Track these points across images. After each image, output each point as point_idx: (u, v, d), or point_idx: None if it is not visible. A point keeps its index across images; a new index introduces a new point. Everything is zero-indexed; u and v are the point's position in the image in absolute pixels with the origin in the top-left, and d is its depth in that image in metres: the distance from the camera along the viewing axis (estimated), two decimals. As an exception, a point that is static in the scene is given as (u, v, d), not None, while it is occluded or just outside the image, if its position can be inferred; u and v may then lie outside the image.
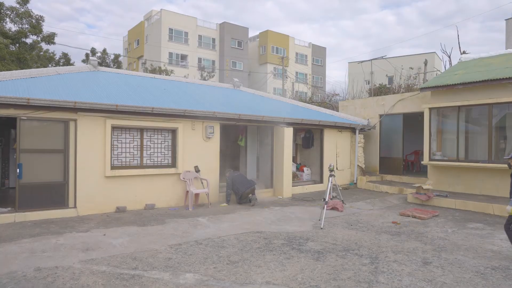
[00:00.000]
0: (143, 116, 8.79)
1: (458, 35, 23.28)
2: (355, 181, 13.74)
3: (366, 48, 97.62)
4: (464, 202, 9.46)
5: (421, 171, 14.53)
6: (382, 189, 12.41)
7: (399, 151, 13.91)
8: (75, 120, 8.03)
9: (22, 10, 19.45)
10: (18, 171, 7.38)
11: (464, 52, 18.04)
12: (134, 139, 9.02)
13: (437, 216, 8.61)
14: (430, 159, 11.50)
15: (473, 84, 10.34)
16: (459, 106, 10.85)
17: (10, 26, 19.59)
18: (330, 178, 8.05)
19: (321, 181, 12.89)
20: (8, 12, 19.21)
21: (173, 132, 9.54)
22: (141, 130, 9.10)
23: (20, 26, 19.62)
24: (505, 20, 18.78)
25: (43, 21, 20.09)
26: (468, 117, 11.04)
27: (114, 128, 8.62)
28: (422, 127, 11.84)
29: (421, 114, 12.16)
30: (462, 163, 10.68)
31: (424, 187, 10.28)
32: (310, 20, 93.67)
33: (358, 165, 13.90)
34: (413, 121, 13.89)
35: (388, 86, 23.48)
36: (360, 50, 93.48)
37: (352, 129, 13.88)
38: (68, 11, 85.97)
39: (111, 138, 8.55)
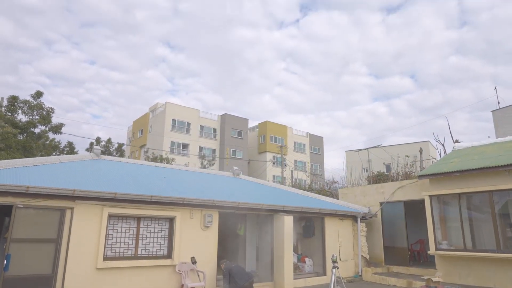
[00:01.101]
0: (142, 204, 8.70)
1: (448, 125, 24.48)
2: (360, 273, 12.99)
3: (362, 137, 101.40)
4: (478, 297, 8.82)
5: (429, 261, 13.84)
6: (389, 282, 11.67)
7: (403, 240, 13.44)
8: (72, 208, 7.92)
9: (35, 103, 20.64)
10: (5, 262, 7.02)
11: (457, 141, 18.63)
12: (130, 228, 8.78)
13: (452, 313, 7.95)
14: (437, 249, 11.06)
15: (470, 171, 10.47)
16: (459, 194, 10.82)
17: (21, 117, 20.59)
18: (334, 269, 7.65)
19: (324, 273, 12.19)
20: (21, 104, 20.37)
21: (171, 220, 9.34)
22: (138, 218, 8.92)
23: (31, 117, 20.62)
24: (491, 111, 19.81)
25: (53, 112, 21.17)
26: (469, 204, 10.93)
27: (111, 216, 8.46)
28: (424, 214, 11.64)
29: (422, 202, 12.06)
30: (470, 253, 10.24)
31: (434, 279, 9.68)
32: (306, 111, 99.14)
33: (362, 256, 13.29)
34: (414, 209, 13.70)
35: (386, 173, 23.74)
36: (355, 138, 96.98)
37: (353, 217, 13.61)
38: (76, 103, 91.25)
39: (107, 227, 8.33)
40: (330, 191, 22.44)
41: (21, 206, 7.38)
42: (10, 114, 19.95)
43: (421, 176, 11.93)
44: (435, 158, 25.64)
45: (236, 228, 12.43)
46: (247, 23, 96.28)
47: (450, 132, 21.86)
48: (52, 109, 21.11)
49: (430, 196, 11.51)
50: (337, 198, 16.46)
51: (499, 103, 20.74)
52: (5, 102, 20.16)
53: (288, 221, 10.96)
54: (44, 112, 20.82)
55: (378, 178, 21.80)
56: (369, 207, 14.24)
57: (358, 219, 13.53)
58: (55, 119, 21.54)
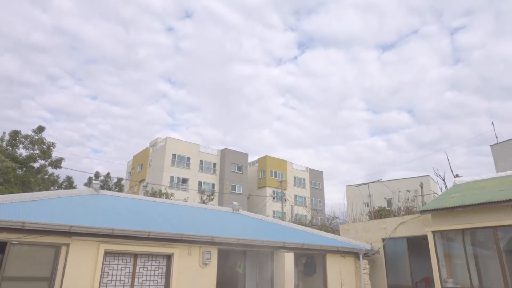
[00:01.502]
0: (139, 240, 8.52)
1: (448, 160, 24.46)
2: (364, 314, 12.48)
3: (361, 171, 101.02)
4: None
5: (435, 301, 13.33)
6: (395, 324, 11.19)
7: (408, 278, 13.03)
8: (67, 245, 7.74)
9: (36, 137, 20.77)
10: (-4, 302, 6.77)
11: (457, 175, 18.56)
12: (127, 266, 8.54)
13: None
14: (443, 288, 10.70)
15: (472, 206, 10.33)
16: (462, 229, 10.62)
17: (22, 151, 20.64)
18: (337, 310, 7.35)
19: (327, 314, 11.71)
20: (23, 139, 20.50)
21: (168, 258, 9.10)
22: (135, 255, 8.70)
23: (32, 151, 20.67)
24: (490, 146, 19.91)
25: (54, 147, 21.25)
26: (474, 240, 10.71)
27: (107, 253, 8.26)
28: (428, 251, 11.36)
29: (425, 238, 11.81)
30: (477, 292, 9.89)
31: (441, 320, 9.29)
32: (305, 146, 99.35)
33: (365, 295, 12.83)
34: (418, 245, 13.38)
35: (387, 208, 23.43)
36: (355, 172, 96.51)
37: (355, 254, 13.27)
38: (76, 137, 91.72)
39: (103, 264, 8.11)
40: (331, 226, 22.06)
41: (16, 242, 7.21)
42: (11, 148, 20.02)
43: (422, 211, 11.77)
44: (436, 193, 25.44)
45: (236, 265, 12.10)
46: (246, 60, 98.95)
47: (450, 167, 21.99)
48: (53, 143, 21.21)
49: (433, 232, 11.29)
50: (338, 234, 16.14)
51: (497, 137, 20.88)
52: (6, 137, 20.29)
53: (288, 258, 10.69)
54: (45, 147, 20.90)
55: (379, 213, 21.48)
56: (371, 244, 13.93)
57: (361, 256, 13.18)
58: (55, 154, 21.59)
